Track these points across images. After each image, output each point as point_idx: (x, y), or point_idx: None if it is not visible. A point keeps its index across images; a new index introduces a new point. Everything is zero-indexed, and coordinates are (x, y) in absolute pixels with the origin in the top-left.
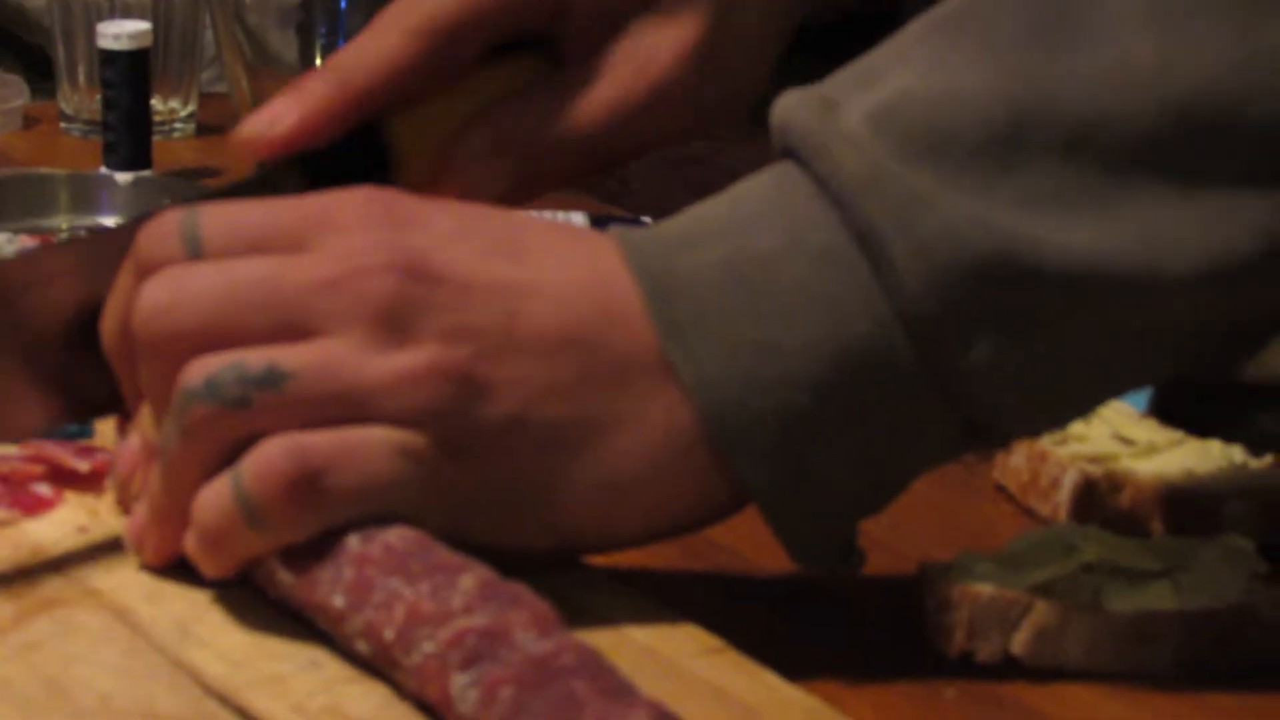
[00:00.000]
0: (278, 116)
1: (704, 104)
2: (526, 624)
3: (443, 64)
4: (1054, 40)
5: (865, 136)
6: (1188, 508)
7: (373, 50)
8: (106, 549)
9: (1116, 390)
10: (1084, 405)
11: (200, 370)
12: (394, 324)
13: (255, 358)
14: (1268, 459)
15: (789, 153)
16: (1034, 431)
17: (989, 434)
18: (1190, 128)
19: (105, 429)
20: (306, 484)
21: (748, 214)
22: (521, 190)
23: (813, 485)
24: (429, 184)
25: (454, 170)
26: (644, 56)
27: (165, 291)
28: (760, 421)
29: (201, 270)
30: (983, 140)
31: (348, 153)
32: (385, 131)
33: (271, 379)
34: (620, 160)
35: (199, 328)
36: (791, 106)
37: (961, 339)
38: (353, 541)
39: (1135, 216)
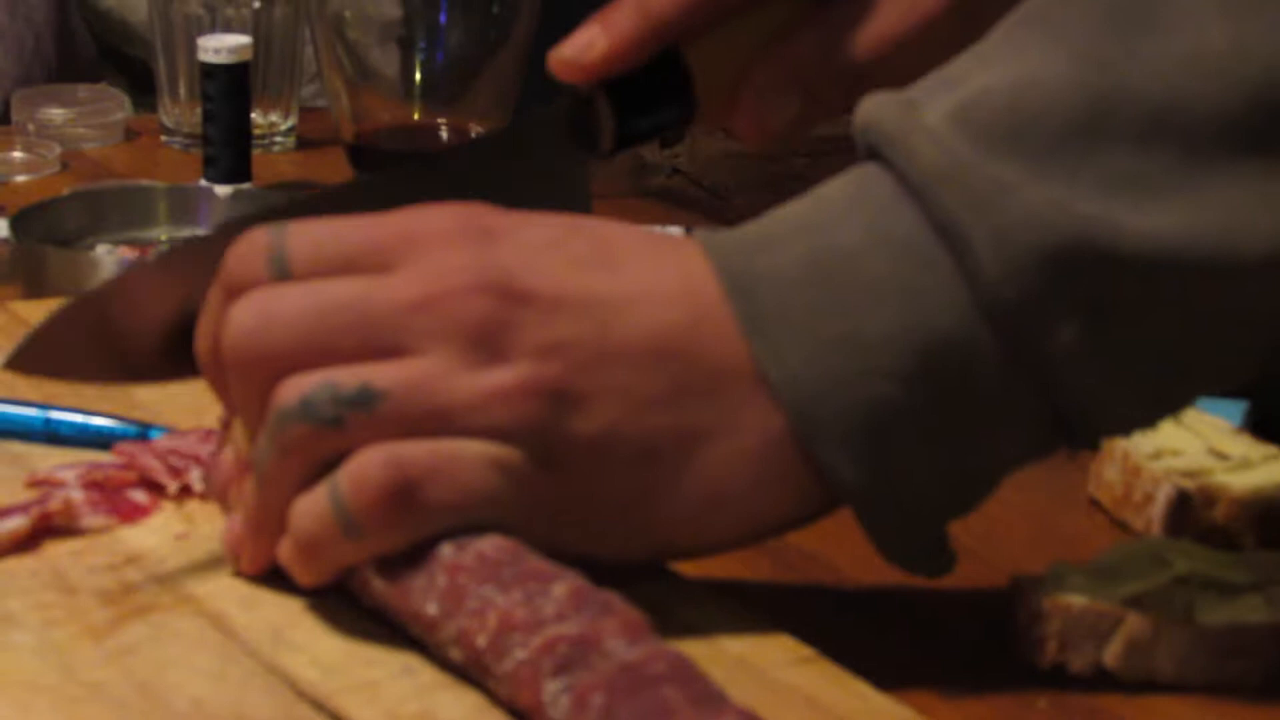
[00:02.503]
0: (589, 43)
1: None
2: (618, 632)
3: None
4: (1129, 29)
5: (945, 130)
6: None
7: None
8: (202, 555)
9: (1205, 383)
10: (1173, 398)
11: (295, 390)
12: (485, 343)
13: (348, 377)
14: None
15: (872, 153)
16: (1124, 427)
17: (1077, 427)
18: (1266, 110)
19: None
20: (403, 495)
21: (829, 212)
22: (805, 120)
23: (901, 480)
24: (724, 113)
25: (746, 104)
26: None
27: (253, 315)
28: (846, 415)
29: (290, 292)
30: (1061, 128)
31: (651, 79)
32: (684, 60)
33: (365, 399)
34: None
35: (289, 350)
36: (875, 108)
37: (1044, 326)
38: (446, 550)
39: (1216, 199)
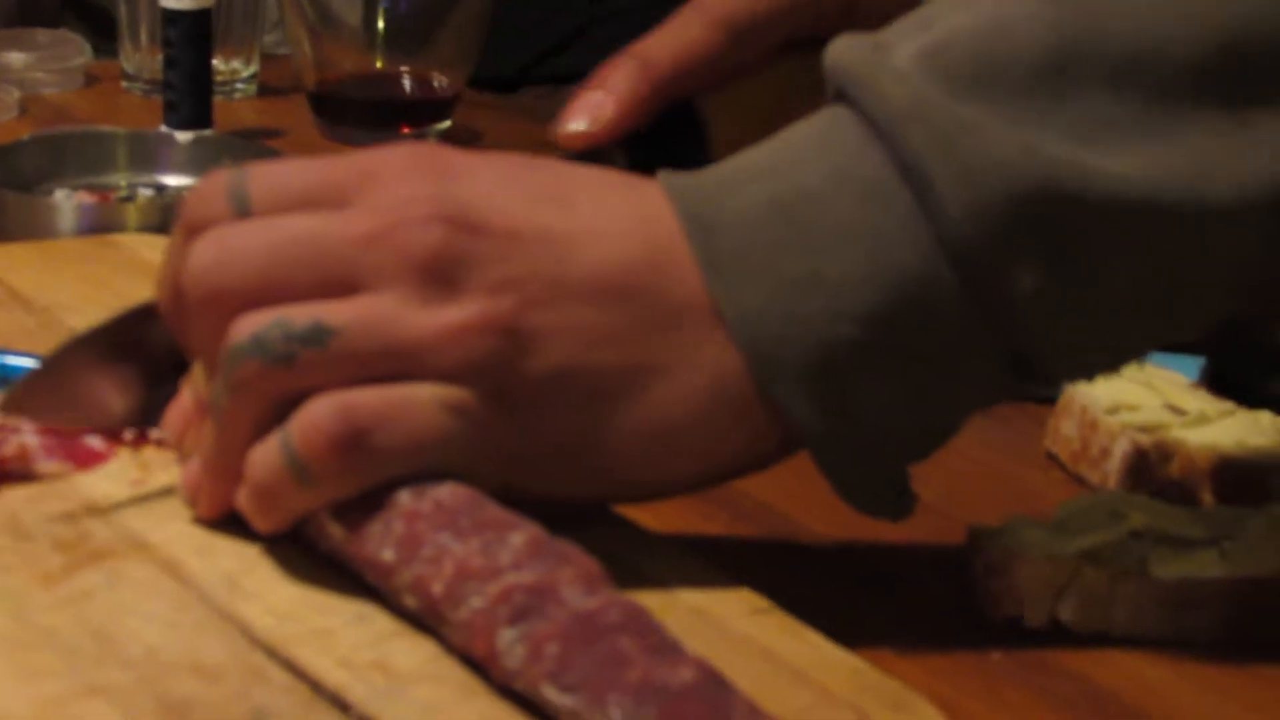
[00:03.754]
0: (598, 109)
1: None
2: (574, 581)
3: (742, 55)
4: None
5: (913, 71)
6: (1237, 478)
7: (674, 39)
8: (157, 503)
9: (1165, 329)
10: (1133, 344)
11: (247, 327)
12: (439, 277)
13: (300, 314)
14: None
15: (839, 94)
16: (1085, 371)
17: (1036, 369)
18: (1239, 56)
19: None
20: (353, 443)
21: (794, 153)
22: None
23: (861, 422)
24: None
25: None
26: None
27: (212, 250)
28: (806, 356)
29: (247, 228)
30: (1031, 71)
31: (666, 130)
32: (701, 111)
33: (316, 335)
34: None
35: (246, 285)
36: (843, 48)
37: (1007, 268)
38: (404, 497)
39: (1184, 145)
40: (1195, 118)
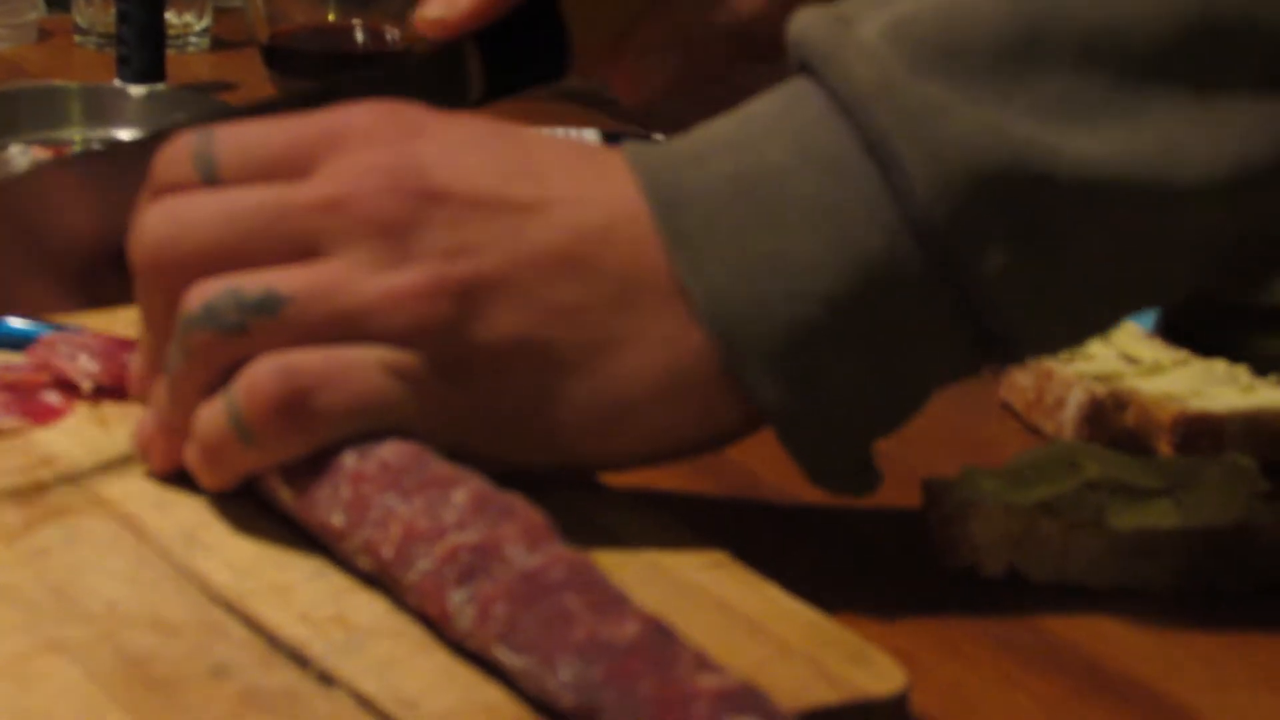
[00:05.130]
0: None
1: None
2: (518, 537)
3: None
4: None
5: (879, 48)
6: (1192, 427)
7: None
8: (116, 458)
9: (1132, 306)
10: (1099, 321)
11: (200, 296)
12: (395, 242)
13: (252, 283)
14: (1272, 379)
15: (803, 67)
16: (1050, 347)
17: (1003, 347)
18: (1205, 35)
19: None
20: (295, 403)
21: (759, 128)
22: (687, 80)
23: (826, 401)
24: (601, 69)
25: (626, 61)
26: None
27: (167, 220)
28: (771, 336)
29: (202, 199)
30: (997, 49)
31: (522, 28)
32: (560, 10)
33: (268, 304)
34: (780, 49)
35: (201, 254)
36: (807, 22)
37: (973, 248)
38: (349, 459)
39: (1150, 124)
40: (1162, 97)
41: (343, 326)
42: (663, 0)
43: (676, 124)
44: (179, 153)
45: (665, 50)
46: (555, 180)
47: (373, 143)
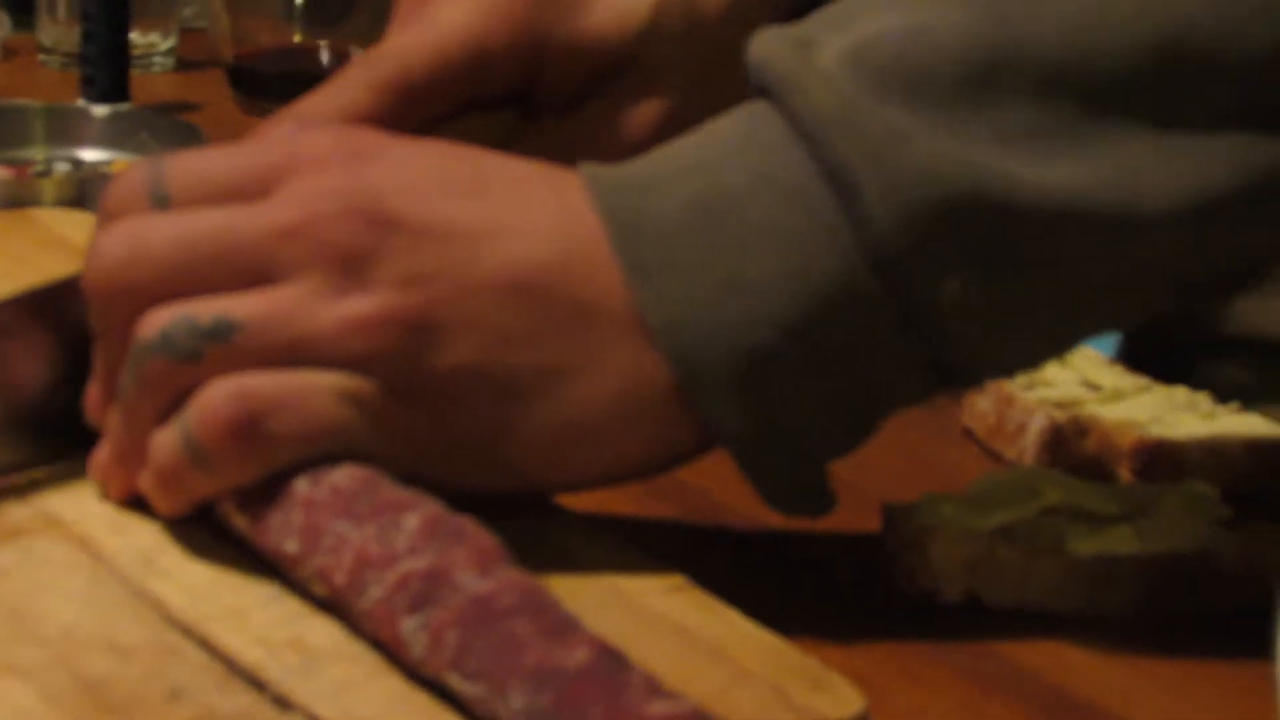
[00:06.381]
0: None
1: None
2: (468, 562)
3: (411, 119)
4: None
5: (839, 74)
6: (1152, 454)
7: (333, 102)
8: (72, 480)
9: (1090, 332)
10: (1057, 346)
11: (154, 324)
12: (350, 270)
13: (205, 310)
14: (1232, 406)
15: (762, 90)
16: (1006, 372)
17: (960, 373)
18: (1167, 67)
19: None
20: (248, 428)
21: (717, 151)
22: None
23: (783, 426)
24: None
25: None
26: (621, 123)
27: (120, 246)
28: (728, 361)
29: (158, 223)
30: (958, 78)
31: None
32: None
33: (220, 331)
34: None
35: (155, 280)
36: (767, 44)
37: (933, 277)
38: (301, 485)
39: (1112, 155)
40: (1122, 128)
41: (296, 353)
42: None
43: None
44: (130, 181)
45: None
46: (510, 204)
47: (326, 167)
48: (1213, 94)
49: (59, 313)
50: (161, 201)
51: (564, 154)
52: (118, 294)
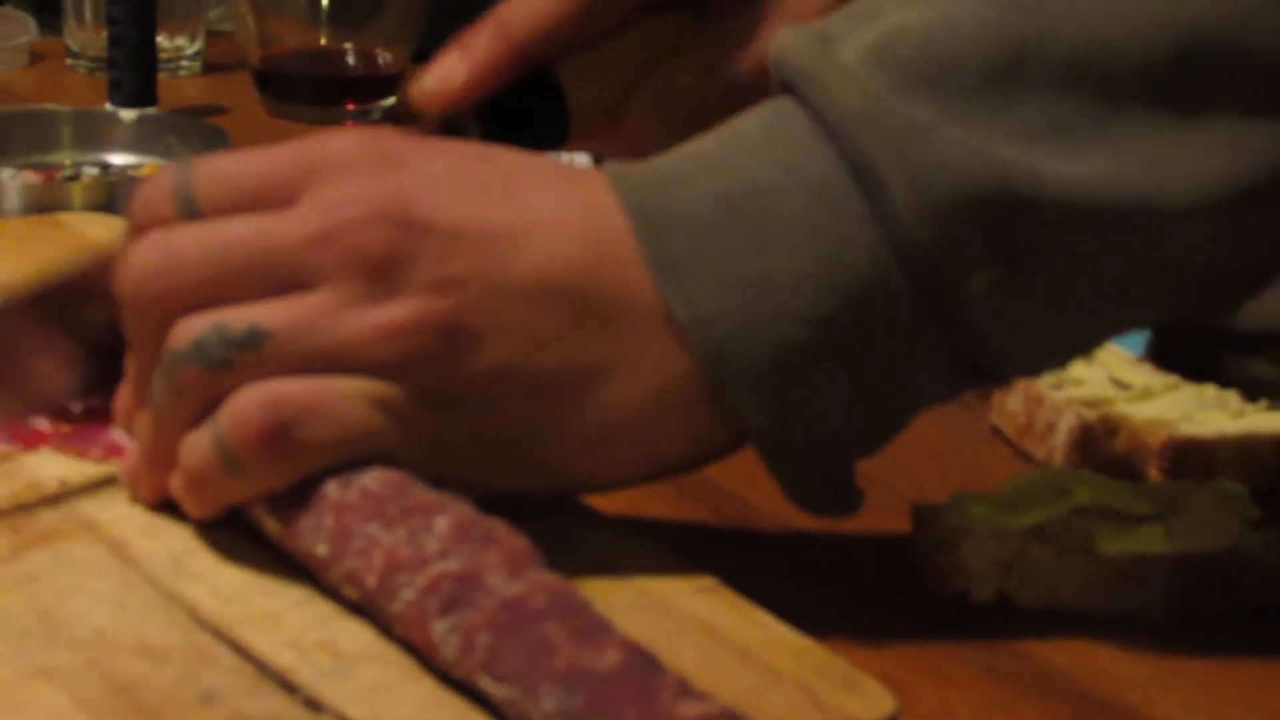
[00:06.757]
0: (448, 73)
1: None
2: (499, 565)
3: (599, 19)
4: None
5: (863, 69)
6: (1182, 452)
7: (533, 4)
8: (103, 483)
9: (1117, 329)
10: (1085, 343)
11: (186, 333)
12: (381, 276)
13: (237, 318)
14: (1262, 404)
15: (786, 87)
16: (1034, 369)
17: (988, 370)
18: (1191, 58)
19: None
20: (279, 434)
21: (742, 148)
22: (688, 137)
23: (810, 423)
24: (601, 134)
25: (625, 125)
26: (793, 7)
27: (153, 256)
28: (757, 357)
29: (188, 233)
30: (982, 72)
31: (522, 99)
32: (557, 78)
33: (252, 340)
34: None
35: (187, 290)
36: (789, 41)
37: (959, 271)
38: (331, 488)
39: (1136, 148)
40: (1147, 120)
41: (327, 361)
42: (660, 64)
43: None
44: (158, 189)
45: (664, 113)
46: (537, 205)
47: (353, 173)
48: (1237, 84)
49: (70, 308)
50: (189, 207)
51: (736, 55)
52: (149, 303)
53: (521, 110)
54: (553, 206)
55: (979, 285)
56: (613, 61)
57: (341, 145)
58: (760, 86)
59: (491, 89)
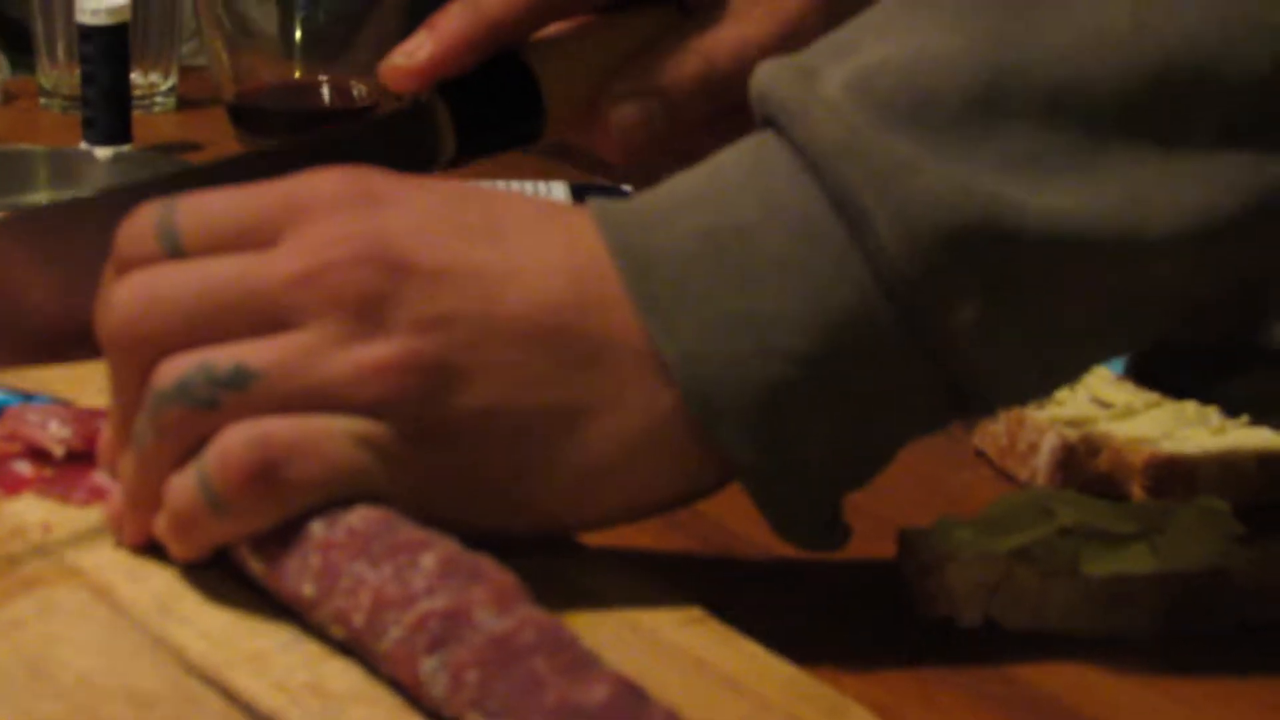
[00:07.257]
0: (415, 47)
1: None
2: (487, 601)
3: (573, 16)
4: (1028, 4)
5: (844, 103)
6: (1164, 470)
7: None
8: (87, 528)
9: (1102, 355)
10: (1070, 371)
11: (171, 373)
12: (364, 316)
13: (223, 358)
14: (1243, 420)
15: (768, 121)
16: (1021, 398)
17: (975, 401)
18: (1167, 88)
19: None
20: (265, 472)
21: (725, 184)
22: (666, 132)
23: (798, 459)
24: (579, 128)
25: (604, 118)
26: (774, 11)
27: (136, 297)
28: (743, 394)
29: (173, 274)
30: (961, 105)
31: (493, 86)
32: (534, 68)
33: (238, 380)
34: None
35: (171, 330)
36: (770, 75)
37: (944, 304)
38: (316, 527)
39: (1116, 178)
40: (1126, 150)
41: (313, 400)
42: (638, 55)
43: (647, 177)
44: (141, 226)
45: (644, 102)
46: (522, 244)
47: (337, 211)
48: (1214, 113)
49: (65, 236)
50: (172, 244)
51: (715, 46)
52: (134, 344)
53: (494, 100)
54: (537, 245)
55: (964, 317)
56: (591, 53)
57: (325, 183)
58: (738, 78)
59: (459, 66)
